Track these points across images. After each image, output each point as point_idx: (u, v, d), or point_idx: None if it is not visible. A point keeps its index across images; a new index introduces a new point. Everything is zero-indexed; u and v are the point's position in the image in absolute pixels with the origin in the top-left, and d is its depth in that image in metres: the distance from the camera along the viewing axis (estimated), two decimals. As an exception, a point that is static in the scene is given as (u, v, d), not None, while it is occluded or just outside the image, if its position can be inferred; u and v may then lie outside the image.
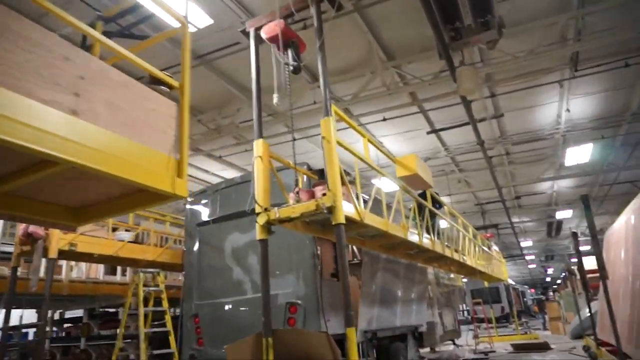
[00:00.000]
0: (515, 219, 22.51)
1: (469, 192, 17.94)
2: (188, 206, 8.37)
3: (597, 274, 12.91)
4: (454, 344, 15.25)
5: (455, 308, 15.12)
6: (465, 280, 30.50)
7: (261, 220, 4.62)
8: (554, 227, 23.89)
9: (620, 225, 8.98)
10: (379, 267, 8.21)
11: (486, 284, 19.93)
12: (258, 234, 4.69)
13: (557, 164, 14.75)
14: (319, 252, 6.89)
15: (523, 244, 28.01)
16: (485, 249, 14.92)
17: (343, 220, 4.26)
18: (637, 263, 7.06)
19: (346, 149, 5.00)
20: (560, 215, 18.36)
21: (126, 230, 7.92)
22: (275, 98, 4.80)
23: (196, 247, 8.06)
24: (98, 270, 9.49)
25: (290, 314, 6.61)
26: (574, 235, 9.33)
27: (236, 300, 7.22)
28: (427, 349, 13.44)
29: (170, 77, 2.77)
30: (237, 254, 7.53)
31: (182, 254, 8.43)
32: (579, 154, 10.94)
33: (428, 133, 11.39)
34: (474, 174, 15.55)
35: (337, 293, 7.33)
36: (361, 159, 5.30)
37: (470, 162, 14.53)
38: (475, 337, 16.64)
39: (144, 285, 6.69)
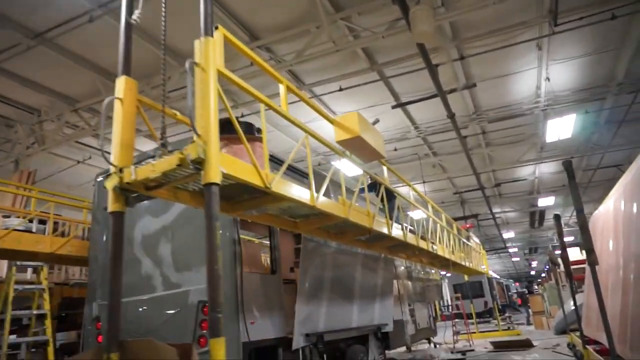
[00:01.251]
0: (496, 209, 21.44)
1: (446, 179, 16.72)
2: (95, 186, 6.95)
3: (582, 265, 11.85)
4: (430, 342, 14.05)
5: (431, 304, 13.91)
6: (448, 275, 29.57)
7: (110, 183, 3.23)
8: (537, 217, 22.89)
9: (608, 210, 7.75)
10: (325, 257, 6.87)
11: (466, 277, 18.79)
12: (110, 204, 3.30)
13: (538, 145, 13.60)
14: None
15: (505, 236, 27.02)
16: (464, 240, 13.72)
17: (216, 180, 2.90)
18: (629, 252, 5.83)
19: (264, 102, 3.70)
20: (542, 202, 17.30)
21: (18, 217, 6.45)
22: (136, 14, 3.42)
23: (103, 236, 6.64)
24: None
25: (203, 315, 5.24)
26: (557, 218, 8.15)
27: (144, 300, 5.83)
28: (402, 349, 12.20)
29: None
30: (147, 243, 6.13)
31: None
32: (561, 128, 9.73)
33: (393, 107, 10.09)
34: (449, 158, 14.33)
35: (272, 290, 6.00)
36: (281, 113, 3.95)
37: (444, 144, 13.29)
38: (455, 334, 15.51)
39: (19, 283, 5.24)
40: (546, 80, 9.49)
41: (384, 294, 9.28)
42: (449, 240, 11.23)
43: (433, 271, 15.93)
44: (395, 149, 12.87)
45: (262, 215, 4.78)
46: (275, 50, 7.99)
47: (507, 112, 11.11)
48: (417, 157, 13.68)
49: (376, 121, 8.94)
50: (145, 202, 6.35)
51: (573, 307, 9.92)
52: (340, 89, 9.13)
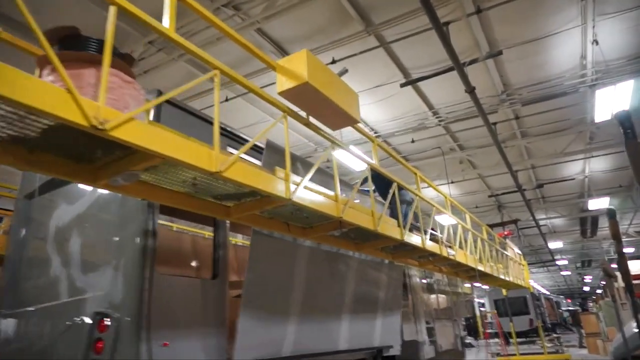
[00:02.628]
0: (541, 215, 18.99)
1: (478, 179, 14.69)
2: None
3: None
4: (457, 367, 12.02)
5: (458, 321, 11.94)
6: (486, 288, 26.91)
7: None
8: (589, 225, 20.14)
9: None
10: (293, 259, 5.31)
11: (504, 292, 16.53)
12: None
13: (586, 134, 11.44)
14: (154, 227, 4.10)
15: (552, 246, 24.18)
16: (498, 248, 11.71)
17: None
18: None
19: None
20: (594, 205, 14.82)
21: None
22: None
23: (22, 230, 5.43)
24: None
25: (99, 332, 3.85)
26: (611, 213, 6.24)
27: (43, 309, 4.52)
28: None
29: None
30: (60, 238, 4.84)
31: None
32: (615, 101, 7.66)
33: (402, 85, 8.45)
34: (479, 152, 12.39)
35: (209, 300, 4.54)
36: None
37: (471, 134, 11.41)
38: (494, 356, 13.40)
39: None
40: (593, 43, 7.56)
41: (389, 309, 7.57)
42: (477, 246, 9.36)
43: (463, 284, 13.94)
44: (413, 141, 11.14)
45: (157, 192, 3.36)
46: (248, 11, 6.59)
47: (544, 91, 9.16)
48: (441, 151, 11.86)
49: (344, 71, 7.32)
50: (64, 186, 5.17)
51: (636, 330, 8.06)
52: (334, 61, 7.62)
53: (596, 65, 8.37)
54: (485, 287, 23.58)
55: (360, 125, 10.15)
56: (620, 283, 18.15)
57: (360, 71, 8.50)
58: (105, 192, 4.26)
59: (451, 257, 7.51)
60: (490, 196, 16.41)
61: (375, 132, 10.83)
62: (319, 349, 5.66)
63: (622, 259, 6.25)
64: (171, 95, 2.82)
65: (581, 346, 19.98)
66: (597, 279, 44.09)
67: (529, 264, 29.23)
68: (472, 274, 10.12)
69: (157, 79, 7.53)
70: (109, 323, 3.80)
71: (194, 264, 5.24)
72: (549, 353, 16.60)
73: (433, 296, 10.55)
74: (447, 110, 9.95)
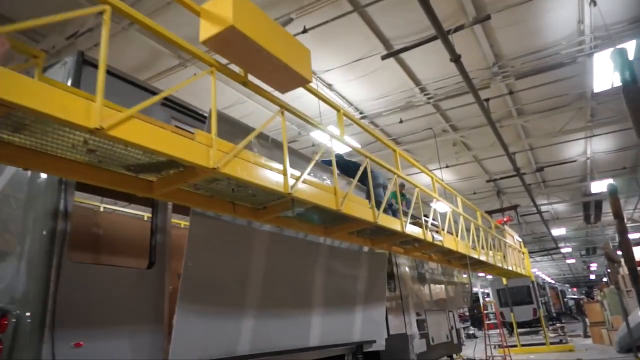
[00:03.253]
0: (542, 201, 18.27)
1: (474, 163, 14.00)
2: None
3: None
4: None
5: (454, 312, 11.32)
6: (489, 277, 26.24)
7: None
8: (592, 209, 19.40)
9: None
10: (246, 245, 4.69)
11: (504, 281, 15.88)
12: None
13: (586, 110, 10.72)
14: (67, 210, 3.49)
15: (556, 233, 23.45)
16: (495, 234, 11.07)
17: None
18: None
19: None
20: (596, 188, 14.05)
21: None
22: None
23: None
24: None
25: (-1, 333, 3.25)
26: (612, 190, 5.57)
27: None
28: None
29: None
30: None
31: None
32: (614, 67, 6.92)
33: (383, 57, 7.77)
34: (473, 133, 11.68)
35: (142, 293, 3.93)
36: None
37: (463, 113, 10.70)
38: (495, 347, 12.83)
39: None
40: (591, 4, 6.84)
41: (371, 301, 6.96)
42: (471, 232, 8.73)
43: (461, 273, 13.30)
44: (401, 121, 10.45)
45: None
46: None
47: (539, 62, 8.45)
48: (432, 133, 11.17)
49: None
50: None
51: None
52: (305, 31, 6.94)
53: (595, 30, 7.64)
54: (490, 276, 22.94)
55: (343, 105, 9.48)
56: (624, 269, 17.46)
57: (337, 43, 7.84)
58: (19, 172, 3.65)
59: (437, 243, 6.87)
60: (488, 181, 15.71)
61: (360, 113, 10.16)
62: (284, 346, 5.06)
63: (625, 240, 5.60)
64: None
65: (586, 336, 19.36)
66: (602, 266, 43.30)
67: (532, 253, 28.63)
68: (466, 262, 9.49)
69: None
70: (9, 321, 3.20)
71: (126, 250, 4.61)
72: (551, 343, 15.99)
73: (425, 286, 9.92)
74: (435, 86, 9.26)
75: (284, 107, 3.91)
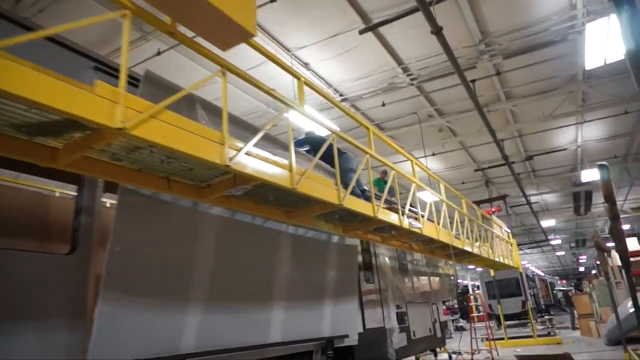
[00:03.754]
0: (532, 191, 17.89)
1: (461, 150, 13.51)
2: None
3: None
4: (436, 355, 11.00)
5: (437, 305, 10.87)
6: (479, 270, 25.94)
7: None
8: (582, 200, 19.06)
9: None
10: (193, 230, 4.14)
11: (492, 272, 15.51)
12: None
13: (577, 95, 10.24)
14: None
15: (545, 224, 23.14)
16: (481, 224, 10.62)
17: None
18: None
19: None
20: (587, 177, 13.63)
21: None
22: None
23: None
24: None
25: None
26: (602, 168, 5.10)
27: None
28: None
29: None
30: None
31: None
32: (609, 40, 6.39)
33: (361, 32, 7.20)
34: (460, 118, 11.18)
35: (57, 282, 3.37)
36: None
37: (449, 95, 10.17)
38: (484, 340, 12.42)
39: None
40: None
41: (343, 293, 6.45)
42: (455, 221, 8.25)
43: (446, 264, 12.88)
44: (383, 104, 9.91)
45: None
46: None
47: (528, 39, 7.92)
48: (417, 117, 10.63)
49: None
50: None
51: (631, 310, 6.89)
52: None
53: (588, 3, 7.12)
54: (479, 269, 22.64)
55: (322, 86, 8.88)
56: (614, 260, 17.17)
57: (312, 16, 7.25)
58: None
59: (415, 230, 6.36)
60: (476, 170, 15.25)
61: (340, 95, 9.59)
62: (239, 343, 4.53)
63: (616, 226, 5.15)
64: None
65: (574, 328, 19.11)
66: (592, 258, 43.38)
67: (521, 245, 28.40)
68: (450, 253, 9.03)
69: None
70: None
71: (45, 234, 4.04)
72: (539, 336, 15.67)
73: (407, 278, 9.45)
74: (418, 65, 8.71)
75: (225, 67, 3.35)
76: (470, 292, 34.14)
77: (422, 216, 6.86)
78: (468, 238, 9.19)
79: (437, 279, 11.52)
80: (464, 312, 30.39)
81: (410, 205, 7.08)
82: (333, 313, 6.17)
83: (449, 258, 9.97)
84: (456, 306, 30.14)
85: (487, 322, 13.13)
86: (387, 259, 8.67)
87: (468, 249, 9.00)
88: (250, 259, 4.80)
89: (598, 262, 24.65)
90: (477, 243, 9.94)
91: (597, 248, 7.75)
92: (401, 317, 8.60)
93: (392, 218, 5.72)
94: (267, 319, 4.97)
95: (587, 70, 8.44)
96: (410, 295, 9.38)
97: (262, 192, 4.01)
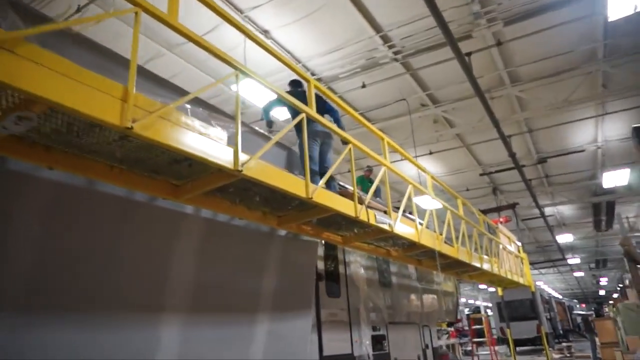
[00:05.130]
0: (546, 201, 16.03)
1: (461, 148, 11.83)
2: None
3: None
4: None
5: (430, 327, 9.10)
6: (492, 290, 23.83)
7: None
8: (604, 214, 17.09)
9: None
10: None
11: (499, 291, 13.64)
12: None
13: (597, 78, 8.59)
14: None
15: (561, 240, 21.07)
16: (483, 232, 8.93)
17: None
18: None
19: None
20: (609, 180, 11.68)
21: None
22: None
23: None
24: None
25: None
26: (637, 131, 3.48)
27: None
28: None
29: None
30: None
31: None
32: None
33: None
34: (458, 107, 9.58)
35: None
36: None
37: (441, 75, 8.59)
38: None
39: None
40: None
41: (288, 308, 4.87)
42: (447, 223, 6.62)
43: (446, 279, 11.12)
44: (364, 85, 8.39)
45: None
46: None
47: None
48: (407, 105, 9.06)
49: None
50: None
51: None
52: None
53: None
54: (492, 288, 20.65)
55: (289, 59, 7.41)
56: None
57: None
58: None
59: (380, 226, 4.76)
60: (482, 175, 13.53)
61: (312, 75, 8.12)
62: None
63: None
64: None
65: (595, 358, 16.95)
66: (613, 281, 40.54)
67: (535, 263, 26.18)
68: (446, 264, 7.36)
69: None
70: None
71: None
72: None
73: (389, 293, 7.77)
74: (401, 33, 7.19)
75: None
76: (483, 313, 31.82)
77: (418, 222, 5.27)
78: (465, 246, 7.52)
79: (431, 296, 9.79)
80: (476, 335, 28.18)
81: (404, 212, 5.56)
82: (270, 333, 4.59)
83: (442, 270, 8.28)
84: (466, 328, 27.96)
85: (492, 349, 11.24)
86: (362, 268, 7.03)
87: (464, 259, 7.30)
88: (129, 249, 3.30)
89: (621, 286, 22.32)
90: (479, 254, 8.22)
91: (627, 258, 6.00)
92: (378, 342, 6.91)
93: (344, 204, 4.14)
94: (153, 337, 3.42)
95: (611, 24, 6.77)
96: (393, 314, 7.69)
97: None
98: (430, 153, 11.43)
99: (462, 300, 44.23)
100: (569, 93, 8.56)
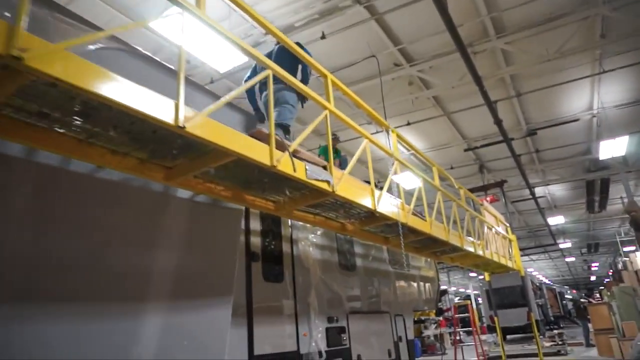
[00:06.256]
0: (536, 180, 14.95)
1: (442, 117, 10.60)
2: None
3: None
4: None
5: (404, 316, 7.95)
6: (481, 277, 22.88)
7: None
8: (597, 195, 16.05)
9: None
10: None
11: (487, 276, 12.58)
12: None
13: (595, 24, 7.41)
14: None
15: (552, 221, 20.04)
16: (466, 207, 7.78)
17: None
18: None
19: None
20: (606, 150, 10.41)
21: None
22: None
23: None
24: None
25: None
26: None
27: None
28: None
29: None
30: None
31: None
32: None
33: None
34: (437, 66, 8.35)
35: None
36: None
37: (413, 22, 7.35)
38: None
39: None
40: None
41: (192, 293, 3.67)
42: (420, 195, 5.44)
43: (426, 262, 9.97)
44: (323, 36, 7.11)
45: None
46: None
47: None
48: (377, 63, 7.81)
49: None
50: None
51: None
52: None
53: None
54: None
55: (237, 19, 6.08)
56: (635, 264, 14.10)
57: None
58: None
59: (319, 186, 3.56)
60: (467, 150, 12.37)
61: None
62: None
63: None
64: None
65: (588, 345, 16.06)
66: (604, 266, 39.93)
67: (526, 249, 25.24)
68: (414, 241, 6.17)
69: None
70: None
71: None
72: (546, 354, 12.67)
73: (352, 278, 6.59)
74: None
75: None
76: (473, 303, 30.96)
77: (333, 168, 4.04)
78: (443, 223, 6.35)
79: (407, 282, 8.64)
80: (466, 324, 27.28)
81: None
82: (167, 328, 3.39)
83: (416, 251, 7.12)
84: (454, 316, 27.05)
85: (476, 339, 10.17)
86: (315, 248, 5.83)
87: (440, 236, 6.12)
88: None
89: (616, 266, 21.37)
90: (458, 232, 7.05)
91: (635, 226, 4.85)
92: (335, 336, 5.74)
93: (247, 146, 2.91)
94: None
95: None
96: (357, 303, 6.52)
97: None
98: (408, 124, 10.21)
99: (453, 289, 43.52)
100: (561, 43, 7.36)
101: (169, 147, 2.87)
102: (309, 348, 5.14)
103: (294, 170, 3.28)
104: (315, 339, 5.29)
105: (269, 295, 4.78)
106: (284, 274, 5.10)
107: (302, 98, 4.61)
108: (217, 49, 6.08)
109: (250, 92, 4.84)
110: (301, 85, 3.65)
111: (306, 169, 3.46)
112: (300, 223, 5.53)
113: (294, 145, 3.41)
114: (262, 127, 3.75)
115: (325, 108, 3.89)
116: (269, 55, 4.66)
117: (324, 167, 3.87)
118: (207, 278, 3.81)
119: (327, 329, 5.58)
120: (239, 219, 4.19)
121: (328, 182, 3.69)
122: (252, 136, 3.12)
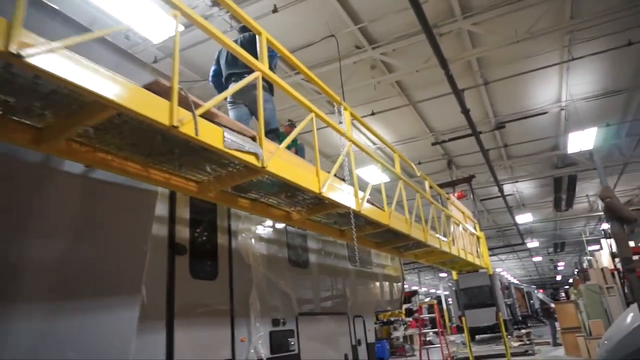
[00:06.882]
0: (504, 176, 14.70)
1: (407, 107, 10.09)
2: None
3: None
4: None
5: (364, 317, 7.36)
6: (444, 275, 22.69)
7: None
8: (564, 190, 15.96)
9: None
10: None
11: (454, 275, 12.19)
12: None
13: (565, 5, 7.03)
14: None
15: (520, 219, 19.99)
16: (429, 198, 7.26)
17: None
18: None
19: None
20: (574, 143, 10.10)
21: None
22: None
23: None
24: None
25: None
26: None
27: None
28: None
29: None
30: None
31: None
32: None
33: None
34: (400, 48, 7.80)
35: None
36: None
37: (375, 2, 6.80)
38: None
39: None
40: None
41: (87, 292, 2.94)
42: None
43: (391, 260, 9.43)
44: (275, 9, 6.44)
45: None
46: None
47: None
48: (336, 43, 7.20)
49: None
50: None
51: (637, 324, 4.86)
52: None
53: None
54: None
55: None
56: (600, 262, 13.97)
57: None
58: None
59: (242, 158, 2.89)
60: (434, 144, 11.93)
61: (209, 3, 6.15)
62: None
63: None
64: None
65: (555, 344, 15.94)
66: (570, 266, 40.68)
67: (495, 248, 25.25)
68: (372, 234, 5.58)
69: None
70: None
71: None
72: (513, 355, 12.37)
73: (303, 276, 5.93)
74: None
75: None
76: (443, 303, 30.87)
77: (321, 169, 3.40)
78: (404, 215, 5.77)
79: (368, 281, 8.05)
80: (435, 324, 27.17)
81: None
82: (49, 331, 2.65)
83: (377, 246, 6.52)
84: (426, 318, 26.91)
85: (442, 341, 9.69)
86: (258, 241, 5.14)
87: (399, 228, 5.53)
88: None
89: (582, 265, 21.54)
90: (422, 225, 6.49)
91: (608, 215, 4.41)
92: (280, 340, 5.06)
93: (135, 99, 2.22)
94: None
95: None
96: (309, 303, 5.87)
97: None
98: (373, 113, 9.66)
99: (424, 289, 43.54)
100: (531, 24, 6.94)
101: (29, 97, 2.15)
102: (247, 355, 4.45)
103: (199, 134, 2.58)
104: (255, 344, 4.60)
105: (198, 295, 4.06)
106: (218, 270, 4.40)
107: (271, 88, 4.41)
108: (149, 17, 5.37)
109: (216, 82, 4.83)
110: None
111: (224, 136, 2.79)
112: (243, 213, 4.84)
113: (208, 104, 2.72)
114: (162, 80, 3.03)
115: (258, 69, 3.23)
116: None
117: (253, 139, 3.21)
118: (105, 273, 3.08)
119: (271, 333, 4.90)
120: (153, 203, 3.47)
121: (256, 155, 3.03)
122: (147, 89, 2.42)
